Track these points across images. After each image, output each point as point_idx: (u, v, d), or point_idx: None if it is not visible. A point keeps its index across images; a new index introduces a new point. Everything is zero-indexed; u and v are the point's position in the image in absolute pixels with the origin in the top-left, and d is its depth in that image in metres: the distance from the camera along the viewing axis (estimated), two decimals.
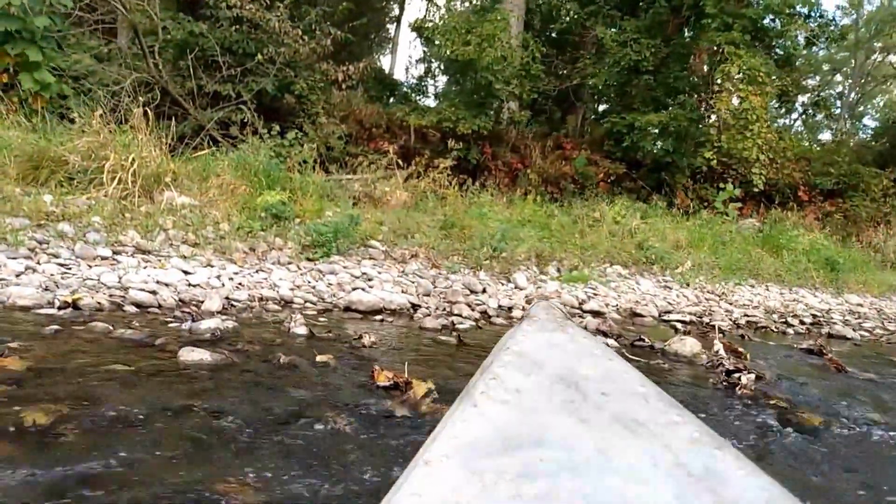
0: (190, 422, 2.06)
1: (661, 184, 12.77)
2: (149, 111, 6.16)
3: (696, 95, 13.07)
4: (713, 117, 13.08)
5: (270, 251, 5.05)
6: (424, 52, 20.53)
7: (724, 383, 3.43)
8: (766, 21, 13.09)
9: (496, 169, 11.75)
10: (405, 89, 20.45)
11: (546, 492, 0.72)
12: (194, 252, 4.66)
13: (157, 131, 6.08)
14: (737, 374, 3.50)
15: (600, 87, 12.90)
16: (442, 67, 22.29)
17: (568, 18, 14.70)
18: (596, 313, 5.01)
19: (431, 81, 22.79)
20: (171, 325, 3.24)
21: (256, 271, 4.65)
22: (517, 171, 11.97)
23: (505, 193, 10.18)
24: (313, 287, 4.54)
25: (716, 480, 0.76)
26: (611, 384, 1.13)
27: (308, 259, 5.13)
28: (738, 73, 11.76)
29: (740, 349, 4.07)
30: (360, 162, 9.99)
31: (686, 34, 13.24)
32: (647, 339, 4.22)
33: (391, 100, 18.21)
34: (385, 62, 23.49)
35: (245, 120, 10.11)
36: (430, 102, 20.07)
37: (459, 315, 4.32)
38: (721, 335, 4.39)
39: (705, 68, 14.79)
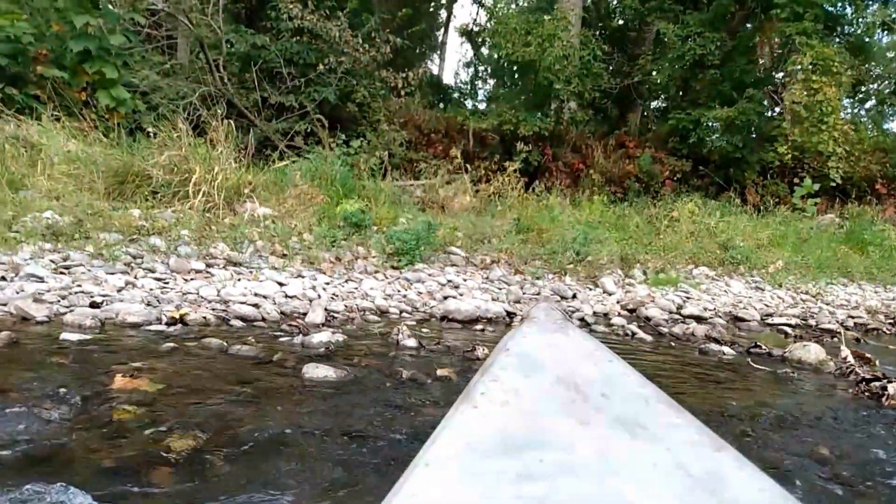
0: (335, 445, 1.95)
1: (728, 181, 12.28)
2: (231, 123, 6.19)
3: (764, 88, 12.55)
4: (783, 111, 12.54)
5: (356, 260, 4.97)
6: (477, 55, 20.42)
7: (866, 394, 3.15)
8: (838, 7, 12.52)
9: (557, 170, 11.50)
10: (455, 94, 20.43)
11: (546, 493, 0.70)
12: (284, 263, 4.61)
13: (234, 143, 6.10)
14: (876, 383, 3.22)
15: (663, 83, 12.50)
16: (490, 70, 22.27)
17: (626, 14, 14.36)
18: (698, 318, 4.74)
19: (481, 84, 22.73)
20: (281, 339, 3.16)
21: (346, 281, 4.57)
22: (579, 172, 11.69)
23: (567, 195, 9.94)
24: (404, 296, 4.43)
25: (716, 482, 0.75)
26: (611, 386, 1.08)
27: (393, 267, 5.03)
28: (810, 63, 11.21)
29: (868, 355, 3.77)
30: (422, 167, 9.92)
31: (752, 25, 12.71)
32: (763, 346, 3.95)
33: (441, 104, 18.17)
34: (433, 67, 23.47)
35: (308, 130, 10.20)
36: (481, 105, 20.01)
37: None
38: (845, 340, 4.07)
39: (772, 60, 14.25)
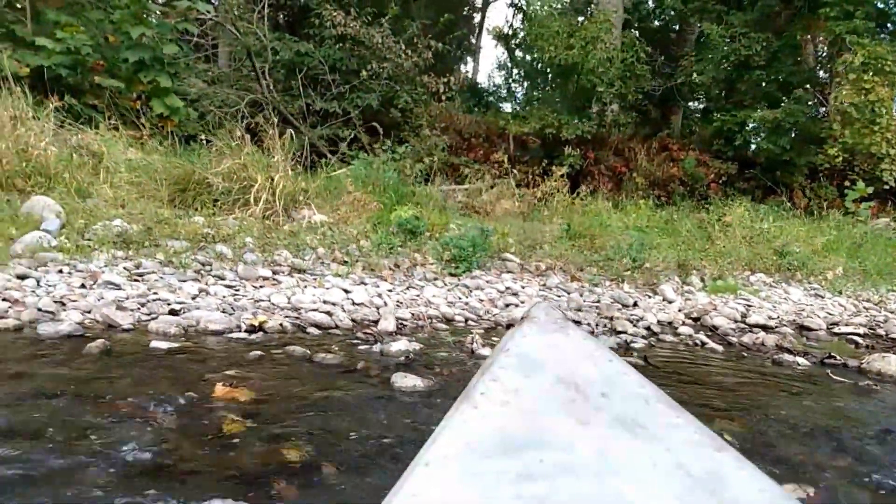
0: None
1: (775, 184, 12.02)
2: (290, 131, 6.28)
3: (812, 89, 12.26)
4: (831, 112, 12.23)
5: (414, 267, 5.00)
6: (512, 58, 20.38)
7: None
8: (889, 3, 12.18)
9: (599, 173, 11.41)
10: (490, 97, 20.41)
11: (546, 493, 0.70)
12: (346, 270, 4.65)
13: (290, 151, 6.18)
14: None
15: (706, 85, 12.31)
16: (523, 73, 22.21)
17: (666, 15, 14.20)
18: (764, 327, 4.64)
19: (514, 87, 22.68)
20: (360, 347, 3.19)
21: (407, 288, 4.59)
22: (621, 175, 11.57)
23: (610, 198, 9.84)
24: (466, 303, 4.43)
25: (716, 482, 0.75)
26: (611, 385, 1.06)
27: (451, 274, 5.04)
28: (862, 63, 10.91)
29: None
30: (465, 172, 9.93)
31: (799, 25, 12.43)
32: (837, 357, 3.85)
33: (477, 108, 18.17)
34: (467, 70, 23.49)
35: (352, 136, 10.29)
36: (509, 108, 19.96)
37: (625, 332, 4.09)
38: None
39: (816, 60, 13.92)
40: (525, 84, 21.82)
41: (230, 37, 11.59)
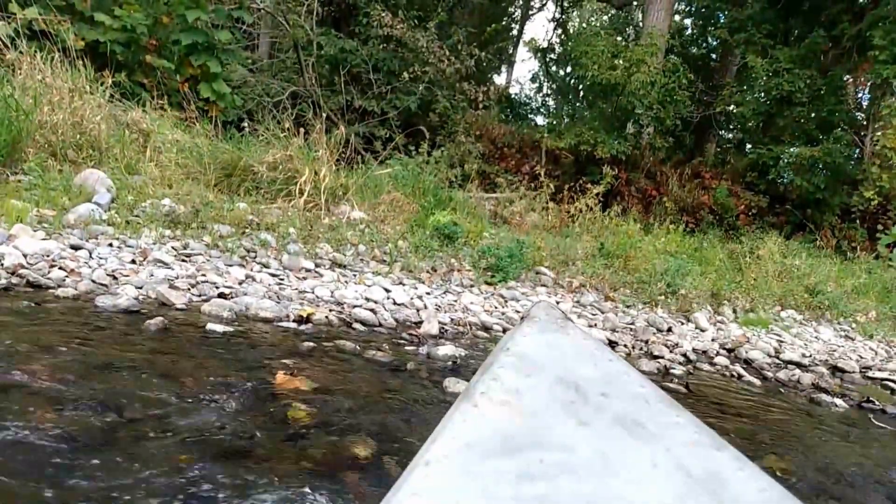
0: None
1: (805, 220, 11.93)
2: (340, 126, 6.33)
3: (852, 130, 12.16)
4: (867, 154, 12.13)
5: (452, 272, 5.02)
6: (548, 72, 20.42)
7: None
8: None
9: (629, 194, 11.37)
10: (522, 109, 20.45)
11: (546, 493, 0.67)
12: (386, 270, 4.69)
13: (336, 147, 6.23)
14: None
15: (746, 116, 12.25)
16: (555, 87, 22.24)
17: (709, 44, 14.17)
18: (798, 365, 4.61)
19: (543, 101, 22.74)
20: (406, 348, 3.21)
21: (444, 293, 4.61)
22: (651, 198, 11.53)
23: (639, 220, 9.81)
24: (503, 313, 4.45)
25: (716, 482, 0.72)
26: (611, 385, 1.01)
27: (487, 283, 5.06)
28: None
29: None
30: (499, 181, 9.96)
31: (845, 65, 12.34)
32: (876, 401, 3.82)
33: (509, 118, 18.22)
34: (499, 80, 23.56)
35: (388, 136, 10.36)
36: (541, 121, 20.00)
37: (662, 357, 4.08)
38: None
39: (854, 101, 13.80)
40: (556, 98, 21.88)
41: (271, 27, 11.77)
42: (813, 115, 12.09)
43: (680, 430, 0.91)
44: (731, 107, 12.94)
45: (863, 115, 13.28)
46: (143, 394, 2.04)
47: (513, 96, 20.42)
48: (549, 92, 22.99)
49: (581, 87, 18.07)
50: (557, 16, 19.62)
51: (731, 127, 14.52)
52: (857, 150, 12.50)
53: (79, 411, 1.85)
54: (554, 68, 22.38)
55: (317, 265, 4.47)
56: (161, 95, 7.24)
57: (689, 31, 15.81)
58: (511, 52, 23.31)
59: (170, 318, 2.95)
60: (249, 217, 4.93)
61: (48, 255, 3.51)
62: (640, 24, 16.15)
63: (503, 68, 24.02)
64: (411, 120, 10.99)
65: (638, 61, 10.25)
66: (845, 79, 12.64)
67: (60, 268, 3.38)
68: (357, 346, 2.97)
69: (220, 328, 2.89)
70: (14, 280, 3.10)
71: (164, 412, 1.94)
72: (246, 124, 7.39)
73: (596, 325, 4.57)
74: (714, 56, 15.33)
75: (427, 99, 10.99)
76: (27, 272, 3.17)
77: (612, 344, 4.19)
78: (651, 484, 0.73)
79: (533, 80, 23.61)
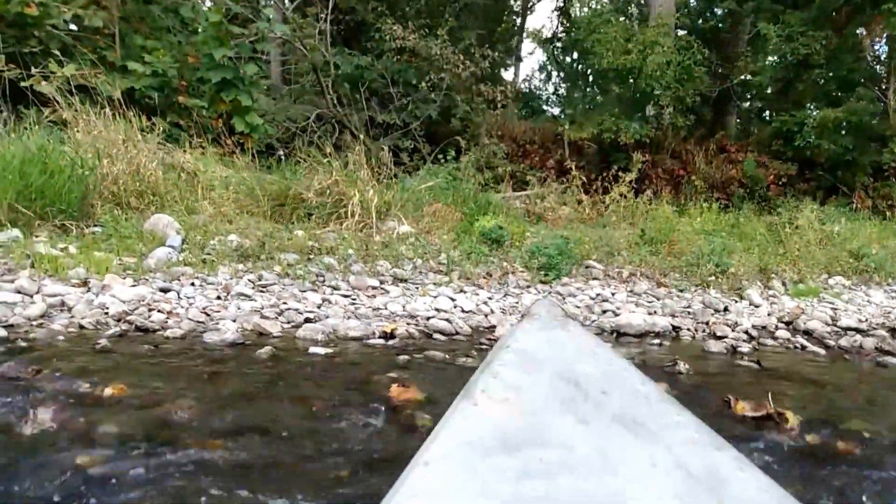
0: None
1: (837, 184, 11.89)
2: (385, 147, 6.55)
3: (874, 86, 12.10)
4: (890, 109, 12.04)
5: (507, 275, 5.21)
6: (558, 62, 20.49)
7: None
8: None
9: (657, 177, 11.44)
10: (534, 102, 20.56)
11: (546, 492, 0.70)
12: (447, 280, 4.89)
13: (375, 167, 6.45)
14: None
15: (764, 85, 12.26)
16: (563, 76, 22.25)
17: (717, 15, 14.16)
18: (857, 330, 4.71)
19: (553, 90, 22.81)
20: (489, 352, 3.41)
21: (504, 296, 4.80)
22: (679, 178, 11.60)
23: (671, 202, 9.88)
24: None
25: (716, 481, 0.74)
26: (611, 383, 1.08)
27: (541, 282, 5.23)
28: None
29: None
30: (528, 179, 10.12)
31: (859, 21, 12.28)
32: None
33: (523, 113, 18.35)
34: (507, 75, 23.65)
35: (412, 147, 10.58)
36: (555, 112, 20.08)
37: (725, 337, 4.22)
38: None
39: (873, 56, 13.69)
40: (565, 87, 21.92)
41: (281, 53, 12.04)
42: (832, 75, 12.06)
43: (680, 429, 0.92)
44: (748, 76, 12.94)
45: (882, 68, 13.19)
46: (282, 417, 2.27)
47: (524, 91, 20.54)
48: (557, 81, 23.04)
49: (589, 72, 18.12)
50: (560, 4, 19.64)
51: (749, 96, 14.49)
52: (882, 105, 12.42)
53: (236, 438, 2.07)
54: (560, 57, 22.41)
55: (381, 282, 4.69)
56: (197, 134, 7.55)
57: (694, 3, 15.77)
58: (516, 46, 23.45)
59: (272, 346, 3.18)
60: (310, 243, 5.17)
61: (143, 300, 3.78)
62: (643, 1, 16.17)
63: (510, 64, 24.13)
64: (433, 128, 11.20)
65: (652, 43, 10.33)
66: (858, 33, 12.56)
67: (158, 311, 3.64)
68: (446, 356, 3.18)
69: (321, 351, 3.11)
70: (123, 326, 3.36)
71: (308, 432, 2.16)
72: (281, 153, 7.67)
73: (656, 311, 4.73)
74: (721, 26, 15.29)
75: (446, 105, 11.20)
76: (134, 318, 3.43)
77: (676, 329, 4.34)
78: (650, 482, 0.77)
79: (540, 70, 23.69)
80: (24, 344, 2.99)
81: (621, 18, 13.25)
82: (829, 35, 11.62)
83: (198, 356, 2.96)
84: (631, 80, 10.97)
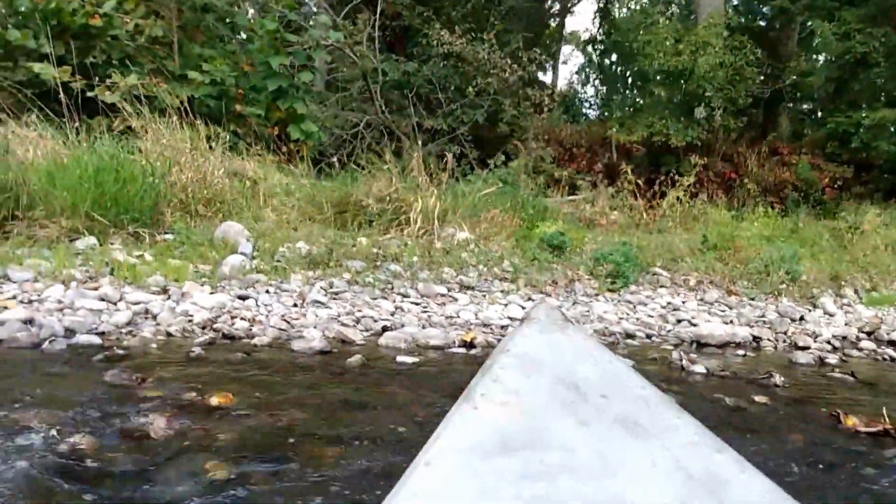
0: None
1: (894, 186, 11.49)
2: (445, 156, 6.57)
3: None
4: None
5: (572, 283, 5.16)
6: (599, 65, 20.31)
7: None
8: None
9: (708, 181, 11.21)
10: (575, 105, 20.40)
11: (546, 494, 0.69)
12: (514, 287, 4.87)
13: (434, 173, 6.46)
14: None
15: (818, 85, 11.93)
16: (602, 78, 22.03)
17: (767, 14, 13.86)
18: None
19: (593, 93, 22.63)
20: None
21: (573, 304, 4.76)
22: (731, 182, 11.35)
23: (724, 206, 9.67)
24: (637, 319, 4.56)
25: (716, 483, 0.73)
26: (611, 386, 1.04)
27: (609, 290, 5.17)
28: None
29: None
30: (579, 184, 10.02)
31: None
32: None
33: (566, 116, 18.20)
34: (546, 78, 23.53)
35: (459, 152, 10.57)
36: (593, 114, 19.91)
37: (808, 347, 4.10)
38: None
39: None
40: (604, 89, 21.73)
41: (327, 60, 12.17)
42: (891, 73, 11.65)
43: (680, 431, 0.93)
44: (798, 76, 12.62)
45: None
46: (391, 427, 2.27)
47: (566, 94, 20.40)
48: (598, 83, 22.83)
49: (629, 74, 17.91)
50: (601, 5, 19.48)
51: (800, 97, 14.12)
52: None
53: (354, 445, 2.09)
54: (600, 59, 22.20)
55: (448, 290, 4.69)
56: (257, 142, 7.67)
57: (737, 2, 15.46)
58: (555, 49, 23.33)
59: (358, 353, 3.20)
60: (374, 250, 5.20)
61: (223, 308, 3.84)
62: (684, 1, 15.91)
63: (549, 67, 24.01)
64: (479, 133, 11.19)
65: (703, 44, 10.15)
66: None
67: (241, 318, 3.69)
68: None
69: (408, 359, 3.12)
70: (210, 334, 3.42)
71: (420, 442, 2.15)
72: (336, 160, 7.75)
73: (732, 321, 4.62)
74: (768, 25, 14.95)
75: (493, 110, 11.19)
76: (220, 325, 3.49)
77: (756, 339, 4.24)
78: (650, 484, 0.77)
79: (579, 72, 23.51)
80: (120, 352, 3.06)
81: (667, 20, 13.08)
82: (887, 32, 11.25)
83: (290, 364, 2.99)
84: (682, 82, 10.79)
